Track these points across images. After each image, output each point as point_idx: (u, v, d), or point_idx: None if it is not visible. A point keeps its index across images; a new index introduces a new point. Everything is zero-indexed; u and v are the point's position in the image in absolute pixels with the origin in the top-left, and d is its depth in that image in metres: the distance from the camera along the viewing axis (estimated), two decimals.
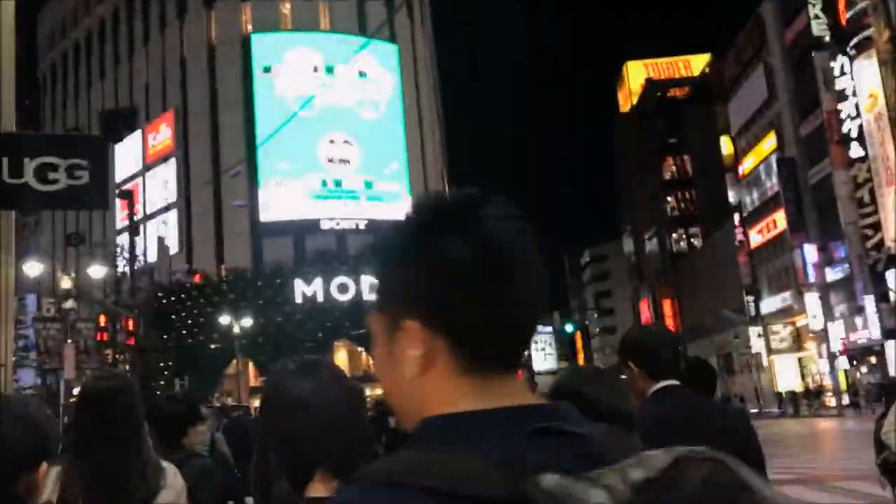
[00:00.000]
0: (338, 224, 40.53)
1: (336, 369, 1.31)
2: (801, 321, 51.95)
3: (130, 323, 22.90)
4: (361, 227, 41.07)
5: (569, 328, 57.16)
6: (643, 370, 2.55)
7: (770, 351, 54.58)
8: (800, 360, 54.50)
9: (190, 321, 38.73)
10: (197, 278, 26.25)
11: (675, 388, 2.53)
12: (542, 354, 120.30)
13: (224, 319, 33.38)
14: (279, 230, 39.93)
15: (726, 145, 61.66)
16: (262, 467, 1.21)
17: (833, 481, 13.25)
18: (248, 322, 34.38)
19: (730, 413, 2.80)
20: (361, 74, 42.13)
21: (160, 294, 39.78)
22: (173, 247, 39.42)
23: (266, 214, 39.96)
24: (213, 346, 38.25)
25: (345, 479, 1.03)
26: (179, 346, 37.60)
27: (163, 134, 43.17)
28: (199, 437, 3.91)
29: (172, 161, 41.83)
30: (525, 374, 61.98)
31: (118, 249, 31.62)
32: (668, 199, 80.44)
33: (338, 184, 40.71)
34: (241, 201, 29.45)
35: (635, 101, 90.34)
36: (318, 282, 38.85)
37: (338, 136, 40.78)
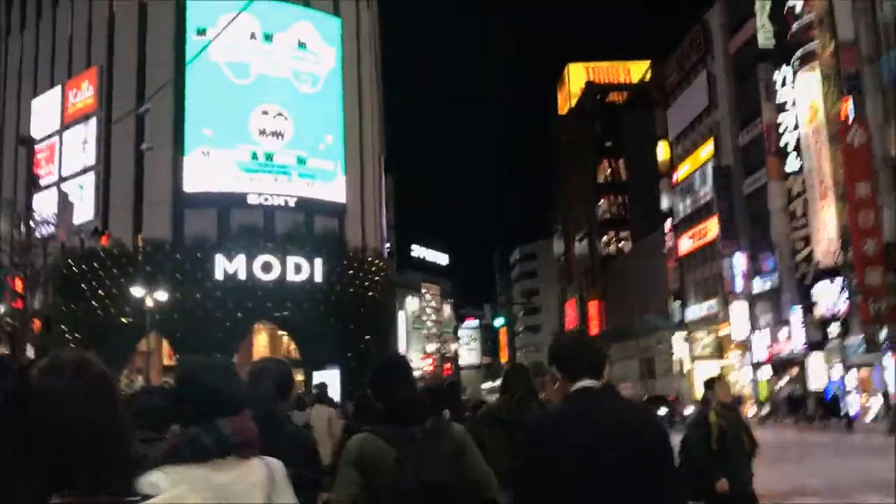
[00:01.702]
0: (266, 200, 38.72)
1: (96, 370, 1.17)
2: (724, 330, 52.33)
3: (18, 283, 20.88)
4: (291, 204, 39.35)
5: (499, 321, 56.48)
6: (564, 373, 2.80)
7: (693, 357, 54.95)
8: (721, 367, 55.01)
9: (101, 292, 36.50)
10: (104, 241, 24.31)
11: (589, 389, 2.72)
12: (466, 349, 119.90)
13: (137, 292, 31.36)
14: (203, 202, 37.91)
15: (663, 151, 61.89)
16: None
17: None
18: (163, 296, 32.42)
19: (634, 412, 2.85)
20: (301, 45, 40.41)
21: (70, 260, 37.41)
22: (88, 212, 37.07)
23: (190, 185, 37.92)
24: (124, 320, 36.11)
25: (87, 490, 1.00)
26: (88, 317, 35.39)
27: (84, 92, 40.60)
28: None
29: (93, 121, 39.34)
30: (452, 369, 61.17)
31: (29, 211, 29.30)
32: (601, 201, 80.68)
33: (269, 157, 38.91)
34: (148, 144, 27.46)
35: (574, 102, 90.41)
36: (241, 259, 37.06)
37: (272, 107, 38.99)
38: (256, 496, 1.80)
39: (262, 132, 38.98)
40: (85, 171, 39.72)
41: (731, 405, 6.79)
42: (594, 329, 78.76)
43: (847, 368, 34.30)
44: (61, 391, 1.11)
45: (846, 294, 36.17)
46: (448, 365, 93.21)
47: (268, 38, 39.51)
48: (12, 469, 1.02)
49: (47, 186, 33.81)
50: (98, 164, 39.48)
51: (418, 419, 3.01)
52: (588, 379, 2.75)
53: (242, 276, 37.06)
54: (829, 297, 36.01)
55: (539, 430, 2.75)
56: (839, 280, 36.73)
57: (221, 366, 2.13)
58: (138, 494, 1.07)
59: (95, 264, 36.64)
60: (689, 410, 36.52)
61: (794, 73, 41.70)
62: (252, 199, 38.45)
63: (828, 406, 34.81)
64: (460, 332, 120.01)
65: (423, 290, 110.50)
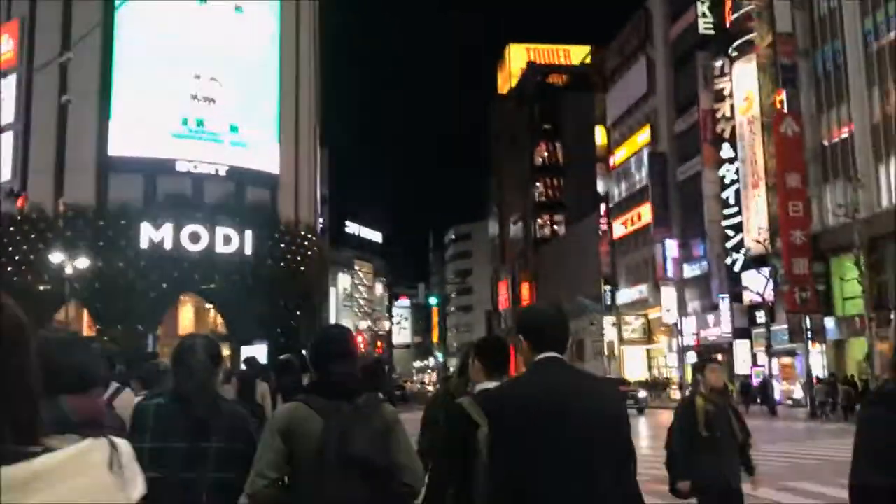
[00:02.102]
0: (195, 167, 37.35)
1: None
2: (654, 314, 53.04)
3: None
4: (222, 173, 38.06)
5: (433, 300, 56.24)
6: (529, 343, 2.83)
7: (622, 341, 55.58)
8: (648, 351, 55.84)
9: (18, 257, 34.78)
10: (21, 203, 22.93)
11: (553, 359, 2.77)
12: (398, 329, 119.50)
13: (56, 258, 29.93)
14: (129, 167, 36.36)
15: (601, 135, 62.18)
16: None
17: None
18: (84, 263, 31.03)
19: (597, 387, 2.93)
20: (238, 9, 39.02)
21: None
22: (5, 174, 35.28)
23: (115, 148, 36.34)
24: (41, 288, 34.52)
25: None
26: (3, 283, 33.67)
27: (4, 46, 38.46)
28: None
29: (13, 78, 37.32)
30: (384, 347, 60.73)
31: None
32: (537, 184, 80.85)
33: (200, 123, 37.54)
34: (69, 96, 26.10)
35: (514, 83, 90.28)
36: (167, 227, 35.71)
37: (204, 71, 37.59)
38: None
39: (194, 97, 37.59)
40: (2, 129, 37.71)
41: (722, 391, 6.21)
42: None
43: (771, 356, 34.94)
44: None
45: (773, 282, 36.86)
46: (380, 343, 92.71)
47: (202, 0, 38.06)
48: None
49: None
50: (17, 123, 37.49)
51: (350, 394, 2.97)
52: (553, 351, 2.79)
53: (169, 245, 35.77)
54: (757, 284, 36.65)
55: (505, 398, 2.79)
56: (767, 269, 37.40)
57: (72, 342, 2.09)
58: (41, 445, 0.99)
59: (11, 228, 34.88)
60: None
61: (732, 62, 42.19)
62: (181, 167, 37.08)
63: (749, 392, 35.54)
64: (393, 311, 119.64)
65: (356, 268, 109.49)
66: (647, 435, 21.68)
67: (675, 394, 43.79)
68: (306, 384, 3.44)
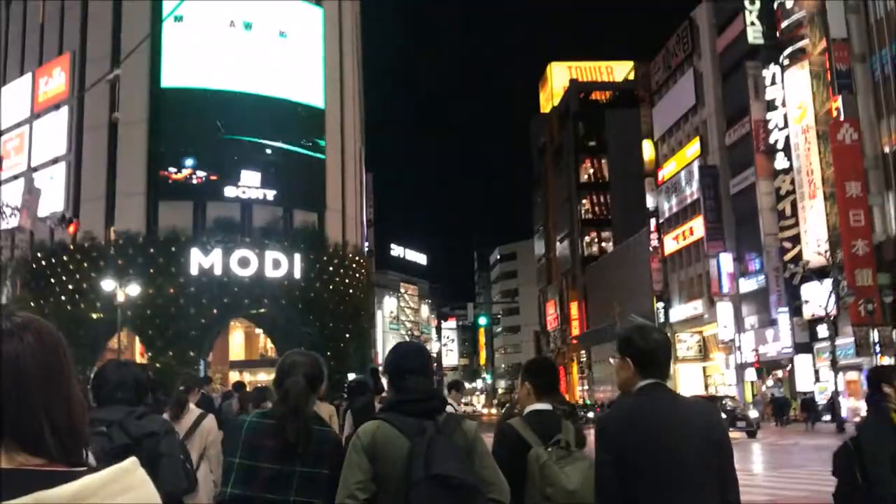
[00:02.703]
0: (244, 193, 37.45)
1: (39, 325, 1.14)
2: (709, 330, 51.77)
3: None
4: (269, 197, 38.10)
5: (483, 321, 55.49)
6: (637, 366, 2.90)
7: (676, 359, 54.25)
8: (704, 369, 54.45)
9: (71, 286, 35.10)
10: (72, 229, 22.90)
11: (660, 385, 2.89)
12: (444, 350, 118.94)
13: (108, 286, 30.04)
14: (179, 194, 36.60)
15: (648, 150, 61.24)
16: None
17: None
18: (135, 290, 31.12)
19: (701, 411, 2.96)
20: (282, 34, 39.19)
21: (38, 254, 36.01)
22: (58, 204, 35.68)
23: (166, 174, 36.63)
24: (94, 316, 34.79)
25: (32, 452, 1.03)
26: (58, 312, 33.95)
27: (56, 79, 39.10)
28: None
29: (65, 110, 37.91)
30: (434, 368, 60.34)
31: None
32: (583, 201, 79.96)
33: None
34: (118, 114, 26.16)
35: (557, 102, 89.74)
36: (217, 253, 35.72)
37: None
38: None
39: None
40: (56, 161, 38.30)
41: None
42: (575, 330, 78.12)
43: (837, 371, 33.62)
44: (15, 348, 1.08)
45: (835, 295, 35.61)
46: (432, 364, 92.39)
47: (247, 26, 38.27)
48: None
49: (16, 177, 32.44)
50: (69, 154, 38.06)
51: (432, 412, 2.93)
52: (659, 377, 2.91)
53: (218, 270, 35.76)
54: (819, 297, 35.42)
55: (618, 422, 2.85)
56: (828, 281, 36.15)
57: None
58: (87, 465, 1.05)
59: (65, 257, 35.28)
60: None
61: (783, 70, 41.19)
62: (229, 192, 37.17)
63: (813, 409, 34.29)
64: (436, 332, 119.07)
65: (402, 290, 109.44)
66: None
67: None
68: (386, 401, 3.26)
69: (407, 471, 2.77)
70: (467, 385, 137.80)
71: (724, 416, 24.01)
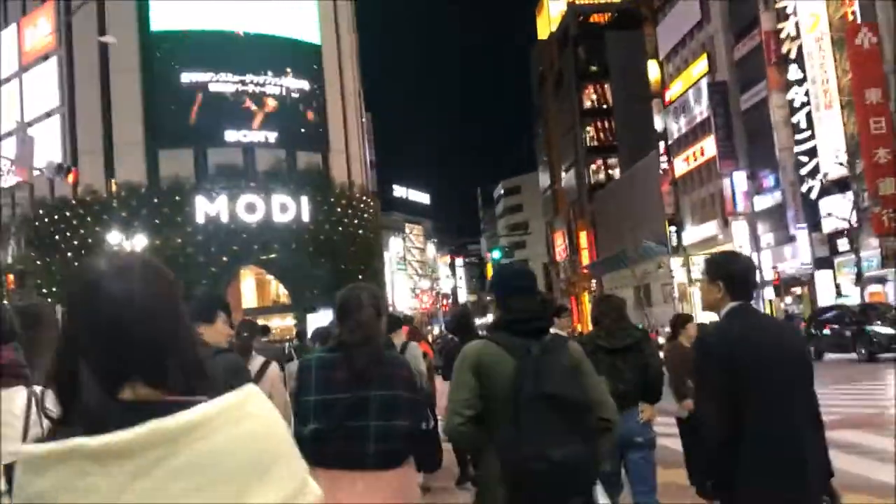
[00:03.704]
0: (245, 136, 36.45)
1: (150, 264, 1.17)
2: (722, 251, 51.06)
3: None
4: (272, 140, 37.12)
5: (496, 254, 54.75)
6: (728, 289, 3.05)
7: (691, 282, 53.71)
8: None
9: (76, 242, 34.39)
10: (72, 178, 21.96)
11: (749, 307, 3.09)
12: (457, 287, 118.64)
13: (113, 239, 29.31)
14: (178, 141, 35.61)
15: (654, 70, 59.69)
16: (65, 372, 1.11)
17: None
18: (141, 242, 30.41)
19: (787, 328, 3.72)
20: None
21: (41, 210, 35.23)
22: (56, 159, 34.64)
23: (164, 125, 35.55)
24: None
25: (156, 386, 1.08)
26: (64, 269, 33.34)
27: (41, 28, 37.73)
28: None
29: (53, 60, 36.67)
30: (450, 305, 59.91)
31: None
32: (587, 128, 78.55)
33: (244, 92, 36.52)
34: (108, 37, 25.14)
35: (555, 28, 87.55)
36: (223, 200, 34.95)
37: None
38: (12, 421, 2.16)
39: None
40: (49, 114, 37.20)
41: None
42: (585, 259, 77.55)
43: (865, 284, 32.93)
44: (129, 287, 1.10)
45: (855, 207, 34.79)
46: (446, 301, 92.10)
47: None
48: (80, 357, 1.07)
49: (10, 133, 31.44)
50: (62, 107, 36.95)
51: (538, 332, 2.94)
52: (747, 299, 3.11)
53: (225, 218, 35.03)
54: (839, 210, 34.58)
55: (727, 343, 2.92)
56: (849, 193, 35.27)
57: None
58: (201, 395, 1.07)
59: (67, 213, 34.50)
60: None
61: None
62: (230, 137, 36.18)
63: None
64: (443, 270, 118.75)
65: (406, 231, 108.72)
66: None
67: None
68: (493, 321, 3.16)
69: (514, 390, 2.75)
70: (480, 320, 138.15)
71: None
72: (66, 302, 1.12)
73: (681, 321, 7.44)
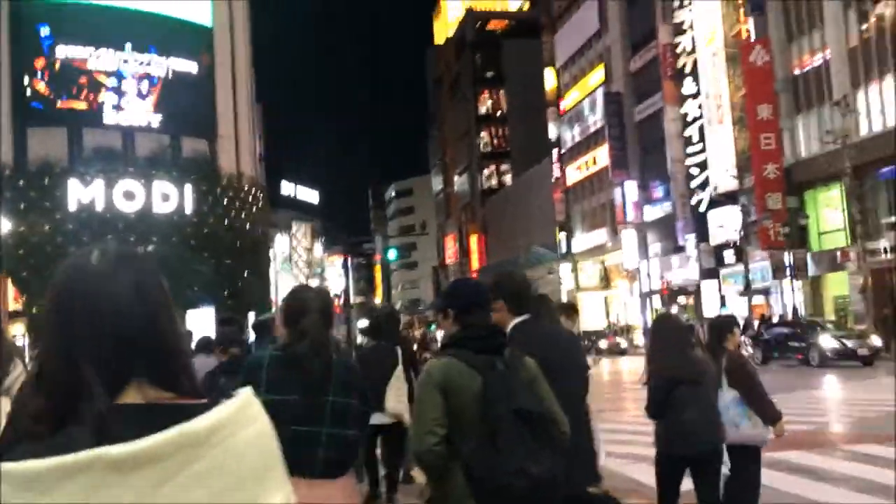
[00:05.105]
0: (125, 118, 33.98)
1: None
2: (610, 259, 51.71)
3: None
4: (154, 124, 34.75)
5: (392, 254, 53.64)
6: (510, 306, 3.40)
7: (578, 287, 54.21)
8: (605, 298, 54.60)
9: None
10: None
11: (531, 320, 3.44)
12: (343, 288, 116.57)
13: None
14: (51, 119, 32.84)
15: (550, 78, 60.05)
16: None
17: None
18: (4, 228, 27.78)
19: (572, 340, 4.02)
20: None
21: None
22: None
23: (34, 93, 32.74)
24: None
25: (163, 387, 1.02)
26: None
27: None
28: None
29: None
30: (341, 307, 58.35)
31: None
32: (482, 133, 78.60)
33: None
34: None
35: (452, 33, 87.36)
36: (98, 185, 32.29)
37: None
38: None
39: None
40: None
41: None
42: (475, 263, 77.45)
43: (751, 296, 33.64)
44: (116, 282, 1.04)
45: (741, 220, 35.59)
46: (337, 302, 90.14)
47: None
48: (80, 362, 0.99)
49: None
50: None
51: (499, 347, 2.91)
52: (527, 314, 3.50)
53: (100, 205, 32.42)
54: (726, 223, 35.28)
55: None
56: (735, 206, 36.08)
57: None
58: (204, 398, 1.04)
59: None
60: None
61: None
62: (108, 119, 33.63)
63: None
64: (331, 271, 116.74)
65: (293, 229, 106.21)
66: None
67: (638, 340, 42.37)
68: (450, 336, 3.02)
69: (486, 407, 2.72)
70: (364, 322, 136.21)
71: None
72: (57, 297, 1.02)
73: (727, 326, 5.78)
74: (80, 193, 32.41)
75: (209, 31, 37.16)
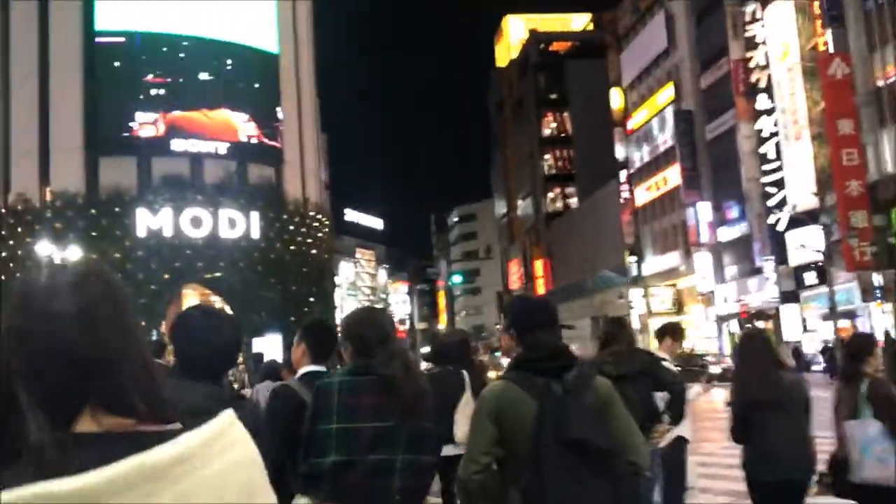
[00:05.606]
0: (193, 146, 34.25)
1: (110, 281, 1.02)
2: (683, 283, 50.15)
3: None
4: (222, 151, 34.98)
5: (457, 279, 53.17)
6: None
7: (650, 313, 52.66)
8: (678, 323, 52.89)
9: (4, 253, 31.73)
10: None
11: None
12: (402, 314, 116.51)
13: (44, 250, 26.90)
14: (121, 148, 33.27)
15: (616, 98, 58.99)
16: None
17: None
18: (75, 255, 28.04)
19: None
20: None
21: None
22: None
23: (106, 130, 33.22)
24: None
25: (120, 413, 0.92)
26: None
27: None
28: None
29: None
30: (406, 332, 58.01)
31: None
32: (546, 156, 77.72)
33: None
34: None
35: (515, 55, 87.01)
36: (166, 212, 32.61)
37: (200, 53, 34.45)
38: None
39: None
40: None
41: None
42: (541, 288, 76.27)
43: (836, 318, 31.95)
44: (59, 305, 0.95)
45: (824, 240, 33.94)
46: (402, 328, 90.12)
47: None
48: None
49: None
50: None
51: (560, 370, 2.75)
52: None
53: (168, 232, 32.70)
54: (807, 242, 33.70)
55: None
56: (816, 225, 34.46)
57: None
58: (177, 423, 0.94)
59: None
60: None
61: (764, 6, 39.08)
62: (176, 146, 33.94)
63: (799, 358, 32.73)
64: (394, 297, 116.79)
65: (357, 256, 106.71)
66: None
67: (715, 368, 40.55)
68: (514, 359, 2.88)
69: (535, 434, 2.62)
70: (424, 350, 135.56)
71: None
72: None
73: (865, 347, 5.03)
74: (149, 221, 32.72)
75: (275, 58, 37.39)
